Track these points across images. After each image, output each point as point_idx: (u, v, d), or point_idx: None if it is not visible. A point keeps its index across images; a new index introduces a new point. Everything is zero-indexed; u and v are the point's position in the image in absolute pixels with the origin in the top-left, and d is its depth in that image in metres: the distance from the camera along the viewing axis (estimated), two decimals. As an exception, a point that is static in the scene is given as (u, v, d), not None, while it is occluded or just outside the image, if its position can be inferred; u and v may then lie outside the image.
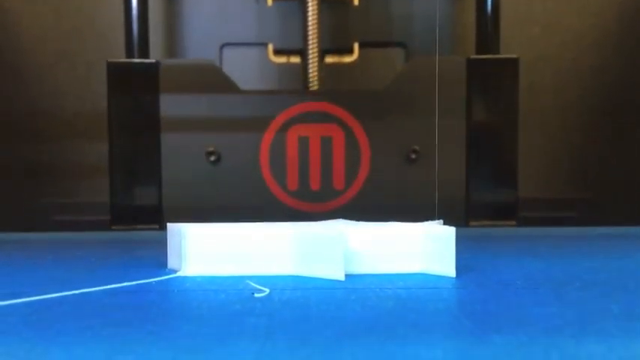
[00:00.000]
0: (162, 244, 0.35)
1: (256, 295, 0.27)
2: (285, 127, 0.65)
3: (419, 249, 0.32)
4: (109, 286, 0.29)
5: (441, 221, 0.34)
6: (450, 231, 0.31)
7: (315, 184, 0.65)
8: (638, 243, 0.44)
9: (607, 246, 0.41)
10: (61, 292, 0.28)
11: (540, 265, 0.34)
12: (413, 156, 0.65)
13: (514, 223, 0.64)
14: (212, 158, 0.64)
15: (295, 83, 0.70)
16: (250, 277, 0.30)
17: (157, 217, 0.64)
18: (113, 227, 0.63)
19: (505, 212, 0.65)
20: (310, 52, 0.68)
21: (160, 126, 0.64)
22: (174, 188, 0.64)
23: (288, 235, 0.31)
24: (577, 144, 0.73)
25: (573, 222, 0.67)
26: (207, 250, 0.31)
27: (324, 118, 0.65)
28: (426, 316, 0.23)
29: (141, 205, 0.64)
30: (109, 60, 0.64)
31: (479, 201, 0.65)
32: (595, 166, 0.73)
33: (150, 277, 0.31)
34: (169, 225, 0.34)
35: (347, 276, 0.30)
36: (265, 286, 0.28)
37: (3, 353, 0.19)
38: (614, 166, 0.72)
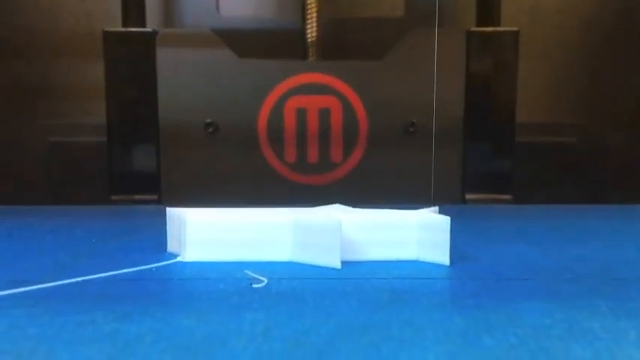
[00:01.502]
0: (161, 220, 0.35)
1: (254, 285, 0.28)
2: (283, 98, 0.64)
3: (414, 237, 0.32)
4: (109, 273, 0.29)
5: (437, 208, 0.35)
6: (445, 220, 0.31)
7: (312, 157, 0.65)
8: (632, 225, 0.44)
9: (601, 230, 0.41)
10: (62, 279, 0.28)
11: (533, 252, 0.34)
12: (411, 129, 0.65)
13: (510, 197, 0.65)
14: (210, 129, 0.64)
15: (294, 11, 0.69)
16: (249, 263, 0.31)
17: (155, 187, 0.65)
18: (112, 198, 0.64)
19: (501, 186, 0.65)
20: None
21: (157, 95, 0.63)
22: (172, 159, 0.65)
23: (286, 223, 0.32)
24: (578, 69, 0.73)
25: (573, 148, 0.68)
26: (207, 237, 0.32)
27: (323, 89, 0.65)
28: (420, 313, 0.24)
29: (140, 175, 0.65)
30: (106, 29, 0.63)
31: (475, 174, 0.65)
32: (596, 92, 0.73)
33: (150, 262, 0.32)
34: (169, 210, 0.34)
35: (343, 263, 0.31)
36: (263, 274, 0.29)
37: (8, 352, 0.20)
38: (615, 93, 0.73)
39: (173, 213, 0.34)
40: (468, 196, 0.65)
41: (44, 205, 0.62)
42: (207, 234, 0.32)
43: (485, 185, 0.65)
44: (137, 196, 0.64)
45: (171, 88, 0.64)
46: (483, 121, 0.65)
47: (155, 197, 0.64)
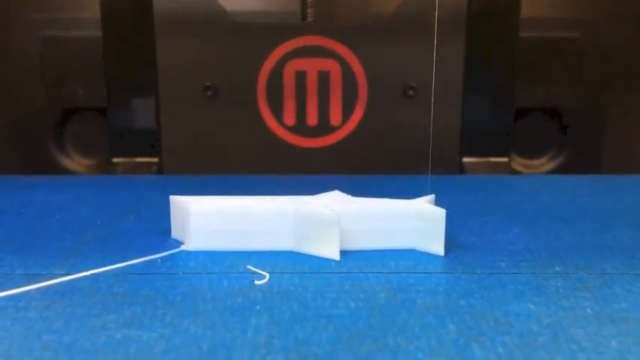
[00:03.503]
0: (163, 195, 0.36)
1: (256, 282, 0.29)
2: (282, 62, 0.64)
3: (411, 227, 0.33)
4: (117, 265, 0.31)
5: (433, 196, 0.36)
6: (440, 212, 0.32)
7: (312, 120, 0.66)
8: (622, 201, 0.45)
9: (592, 209, 0.42)
10: (72, 272, 0.30)
11: (525, 237, 0.36)
12: (410, 92, 0.65)
13: (508, 160, 0.66)
14: (209, 93, 0.64)
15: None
16: (251, 253, 0.32)
17: (156, 150, 0.66)
18: (114, 160, 0.65)
19: (500, 148, 0.66)
20: None
21: (157, 60, 0.63)
22: (173, 122, 0.65)
23: (288, 213, 0.33)
24: None
25: (574, 43, 0.68)
26: (210, 227, 0.33)
27: (322, 52, 0.64)
28: (414, 317, 0.25)
29: (140, 138, 0.65)
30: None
31: (474, 137, 0.66)
32: None
33: (156, 250, 0.33)
34: (172, 197, 0.35)
35: (342, 253, 0.32)
36: (265, 267, 0.30)
37: (28, 364, 0.22)
38: None
39: (176, 201, 0.35)
40: (465, 160, 0.66)
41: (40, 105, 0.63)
42: (210, 224, 0.33)
43: (484, 148, 0.66)
44: (138, 159, 0.65)
45: (170, 51, 0.63)
46: (482, 85, 0.65)
47: (156, 160, 0.65)
